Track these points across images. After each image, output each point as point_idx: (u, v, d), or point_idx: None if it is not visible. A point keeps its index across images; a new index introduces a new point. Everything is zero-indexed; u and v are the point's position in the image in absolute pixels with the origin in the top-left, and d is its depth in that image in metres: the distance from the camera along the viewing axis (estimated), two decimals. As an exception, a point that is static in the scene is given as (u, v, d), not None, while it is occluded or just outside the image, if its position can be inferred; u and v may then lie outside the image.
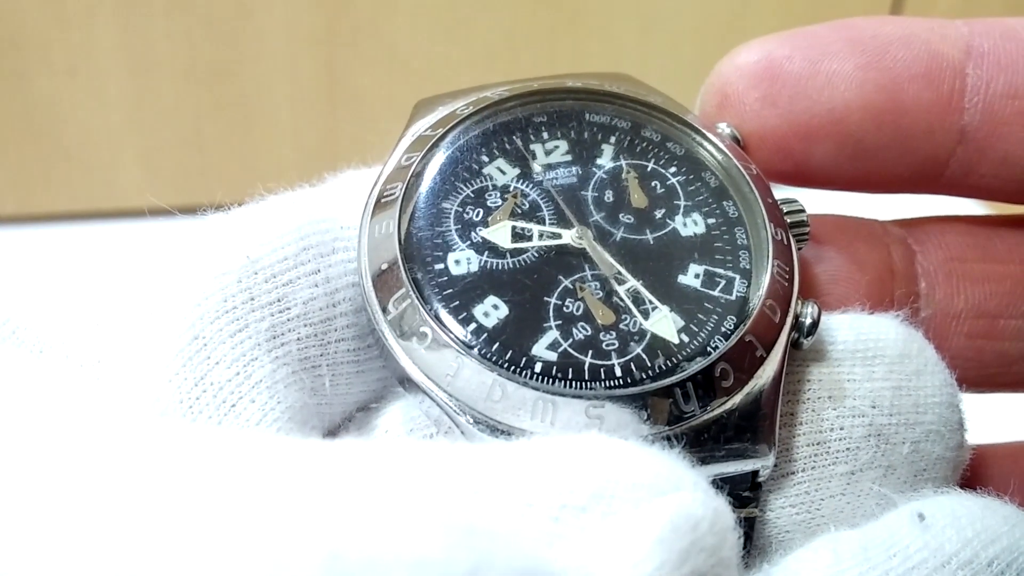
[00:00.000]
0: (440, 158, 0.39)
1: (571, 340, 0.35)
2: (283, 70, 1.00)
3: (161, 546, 0.23)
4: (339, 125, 1.02)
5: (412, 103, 0.42)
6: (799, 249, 0.39)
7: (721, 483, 0.34)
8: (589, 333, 0.35)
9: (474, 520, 0.25)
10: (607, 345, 0.35)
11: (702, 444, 0.34)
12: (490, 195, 0.38)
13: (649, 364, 0.35)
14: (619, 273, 0.37)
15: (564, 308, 0.36)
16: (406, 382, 0.35)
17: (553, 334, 0.35)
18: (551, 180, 0.39)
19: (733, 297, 0.37)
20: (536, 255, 0.37)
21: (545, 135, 0.40)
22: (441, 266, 0.36)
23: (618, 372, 0.35)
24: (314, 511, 0.24)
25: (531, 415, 0.34)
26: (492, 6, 0.99)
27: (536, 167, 0.39)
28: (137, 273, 0.37)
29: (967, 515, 0.33)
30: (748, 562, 0.36)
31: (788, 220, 0.39)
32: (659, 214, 0.39)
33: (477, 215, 0.38)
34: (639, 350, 0.35)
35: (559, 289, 0.36)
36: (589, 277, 0.37)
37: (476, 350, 0.34)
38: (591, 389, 0.34)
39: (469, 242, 0.37)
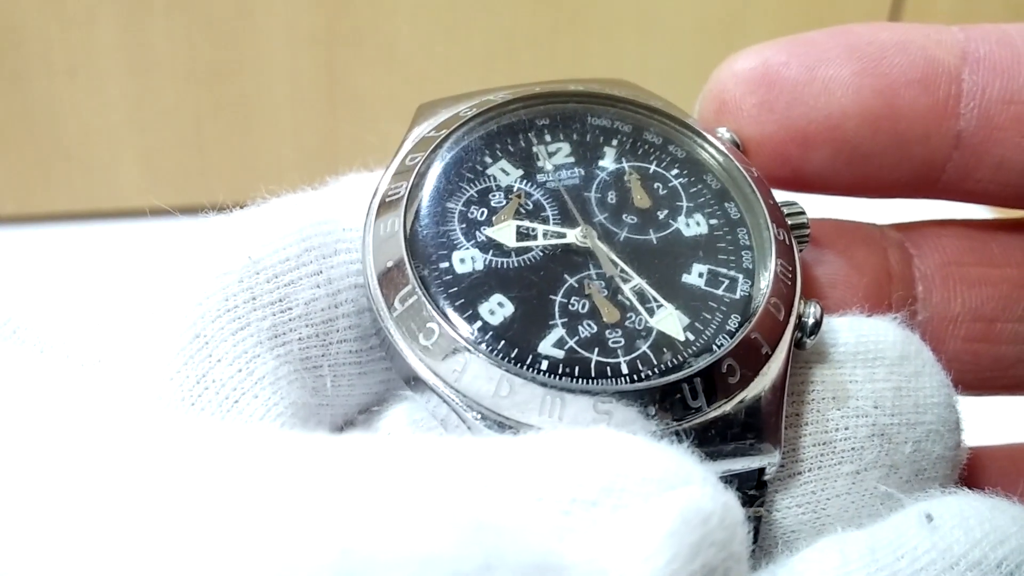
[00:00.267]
0: (444, 159, 0.39)
1: (577, 337, 0.35)
2: (283, 70, 1.00)
3: (171, 542, 0.23)
4: (339, 125, 1.02)
5: (412, 104, 0.42)
6: (800, 251, 0.40)
7: (728, 481, 0.34)
8: (595, 330, 0.35)
9: (484, 515, 0.25)
10: (613, 342, 0.35)
11: (709, 440, 0.35)
12: (494, 195, 0.38)
13: (655, 361, 0.35)
14: (624, 271, 0.37)
15: (570, 306, 0.36)
16: (412, 380, 0.35)
17: (559, 331, 0.35)
18: (554, 181, 0.39)
19: (737, 296, 0.37)
20: (541, 254, 0.37)
21: (548, 137, 0.40)
22: (446, 264, 0.36)
23: (625, 369, 0.35)
24: (325, 507, 0.24)
25: (539, 411, 0.33)
26: (492, 7, 0.99)
27: (539, 168, 0.39)
28: (137, 273, 0.37)
29: (975, 516, 0.33)
30: (753, 563, 0.35)
31: (789, 222, 0.40)
32: (662, 215, 0.39)
33: (481, 215, 0.38)
34: (645, 347, 0.35)
35: (564, 287, 0.36)
36: (594, 275, 0.37)
37: (483, 346, 0.34)
38: (599, 385, 0.34)
39: (474, 241, 0.37)
